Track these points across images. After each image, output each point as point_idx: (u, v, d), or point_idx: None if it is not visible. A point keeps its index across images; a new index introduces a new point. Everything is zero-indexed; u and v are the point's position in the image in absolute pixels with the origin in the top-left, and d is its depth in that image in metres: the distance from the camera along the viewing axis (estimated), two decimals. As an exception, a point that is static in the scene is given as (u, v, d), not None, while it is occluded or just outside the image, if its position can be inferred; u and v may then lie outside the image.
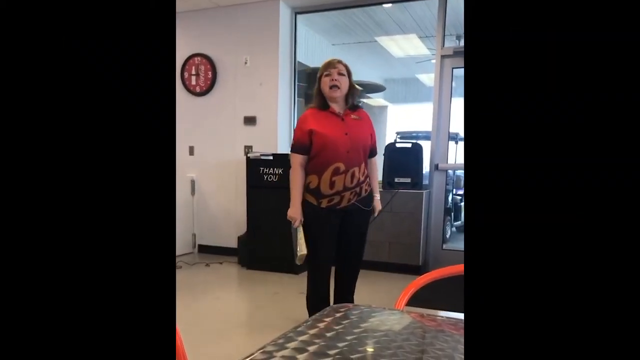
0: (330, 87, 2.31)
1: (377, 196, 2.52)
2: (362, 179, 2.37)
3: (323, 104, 2.37)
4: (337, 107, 2.37)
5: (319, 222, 2.38)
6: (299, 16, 4.76)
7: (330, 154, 2.28)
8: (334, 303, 2.36)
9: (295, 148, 2.37)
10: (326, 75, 2.32)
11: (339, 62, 2.35)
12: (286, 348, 0.82)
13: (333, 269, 2.55)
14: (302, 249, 2.35)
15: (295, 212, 2.37)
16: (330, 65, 2.33)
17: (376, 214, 2.52)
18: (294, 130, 2.41)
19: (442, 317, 1.10)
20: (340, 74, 2.32)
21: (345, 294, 2.56)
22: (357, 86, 2.44)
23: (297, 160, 2.37)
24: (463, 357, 0.81)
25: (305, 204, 2.38)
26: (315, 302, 2.47)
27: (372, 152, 2.49)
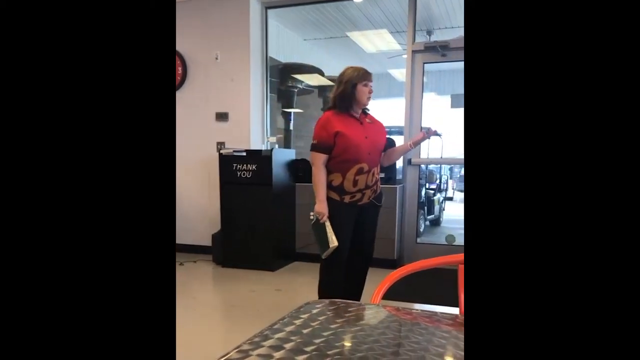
0: (367, 98, 2.49)
1: (407, 143, 2.67)
2: (377, 177, 2.58)
3: (347, 108, 2.49)
4: (355, 113, 2.52)
5: (342, 215, 2.49)
6: (269, 11, 4.72)
7: (354, 155, 2.42)
8: (344, 295, 2.45)
9: (318, 147, 2.47)
10: (365, 85, 2.45)
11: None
12: (262, 346, 0.81)
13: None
14: (333, 240, 2.44)
15: (322, 207, 2.46)
16: (369, 76, 2.48)
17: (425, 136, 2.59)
18: (316, 130, 2.49)
19: (417, 310, 1.11)
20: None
21: (355, 288, 2.66)
22: None
23: (320, 159, 2.47)
24: (438, 349, 0.82)
25: (328, 200, 2.49)
26: (332, 294, 2.51)
27: (387, 147, 2.66)
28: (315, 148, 2.48)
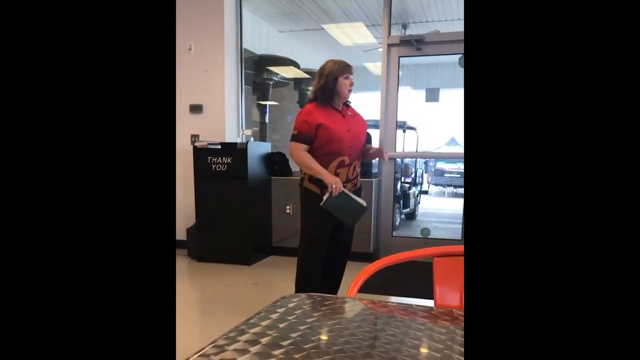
0: (348, 90, 2.49)
1: (374, 147, 2.72)
2: (358, 171, 2.57)
3: (328, 101, 2.47)
4: (337, 105, 2.52)
5: (322, 209, 2.44)
6: (244, 2, 4.66)
7: (337, 148, 2.42)
8: (322, 289, 2.47)
9: (298, 138, 2.44)
10: (346, 78, 2.45)
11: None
12: (238, 341, 0.81)
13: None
14: (362, 202, 2.42)
15: (331, 177, 2.38)
16: (350, 68, 2.48)
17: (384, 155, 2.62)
18: (297, 121, 2.46)
19: (393, 302, 1.12)
20: None
21: (332, 282, 2.66)
22: None
23: (300, 149, 2.45)
24: (413, 341, 0.83)
25: (308, 193, 2.47)
26: (309, 288, 2.50)
27: (366, 142, 2.68)
28: (295, 138, 2.45)
